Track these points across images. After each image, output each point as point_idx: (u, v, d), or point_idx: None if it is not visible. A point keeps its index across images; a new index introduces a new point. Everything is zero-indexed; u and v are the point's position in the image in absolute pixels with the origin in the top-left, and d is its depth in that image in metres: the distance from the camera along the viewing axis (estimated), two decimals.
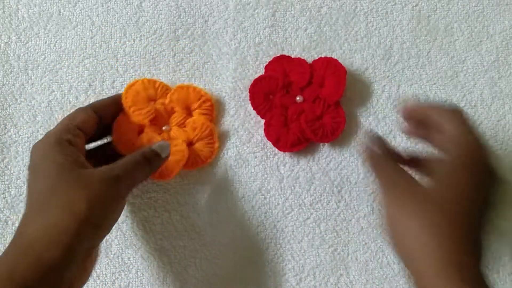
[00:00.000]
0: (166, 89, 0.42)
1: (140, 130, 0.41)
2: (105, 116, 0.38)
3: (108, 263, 0.41)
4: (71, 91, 0.43)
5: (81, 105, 0.43)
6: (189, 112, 0.42)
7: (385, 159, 0.34)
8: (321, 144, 0.43)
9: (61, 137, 0.34)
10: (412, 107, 0.35)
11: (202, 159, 0.41)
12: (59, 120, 0.42)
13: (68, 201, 0.30)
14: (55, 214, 0.29)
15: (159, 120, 0.41)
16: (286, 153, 0.42)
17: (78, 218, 0.30)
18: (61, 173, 0.31)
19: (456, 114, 0.33)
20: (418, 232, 0.29)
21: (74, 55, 0.44)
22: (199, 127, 0.41)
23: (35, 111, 0.43)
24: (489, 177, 0.31)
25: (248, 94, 0.42)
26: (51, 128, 0.42)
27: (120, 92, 0.41)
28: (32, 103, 0.43)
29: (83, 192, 0.30)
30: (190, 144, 0.42)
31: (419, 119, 0.34)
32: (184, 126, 0.41)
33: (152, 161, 0.36)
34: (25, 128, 0.42)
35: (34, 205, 0.31)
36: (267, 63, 0.43)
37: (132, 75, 0.43)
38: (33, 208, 0.31)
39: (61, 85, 0.43)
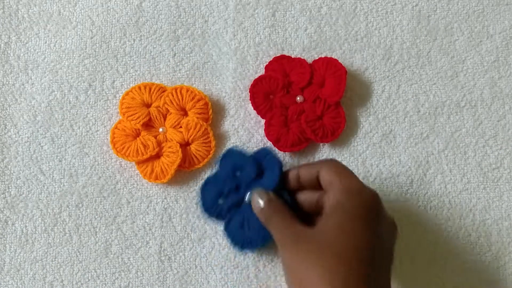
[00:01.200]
0: (162, 91, 0.42)
1: (137, 134, 0.42)
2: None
3: (108, 263, 0.40)
4: (71, 91, 0.43)
5: (81, 105, 0.43)
6: (184, 113, 0.42)
7: (271, 212, 0.35)
8: (321, 144, 0.43)
9: None
10: (293, 175, 0.37)
11: (199, 159, 0.41)
12: (59, 120, 0.42)
13: None
14: None
15: (155, 123, 0.42)
16: (286, 153, 0.42)
17: None
18: None
19: (331, 163, 0.34)
20: (317, 281, 0.29)
21: (74, 55, 0.44)
22: (193, 127, 0.41)
23: (35, 111, 0.43)
24: (385, 225, 0.32)
25: (248, 94, 0.42)
26: (51, 128, 0.42)
27: (119, 95, 0.41)
28: (32, 103, 0.43)
29: None
30: (186, 144, 0.42)
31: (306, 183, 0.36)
32: (180, 127, 0.42)
33: None
34: (25, 128, 0.42)
35: None
36: (267, 63, 0.43)
37: (132, 75, 0.44)
38: None
39: (61, 85, 0.43)
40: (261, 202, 0.35)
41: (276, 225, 0.34)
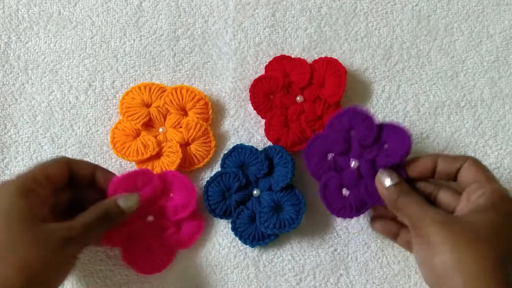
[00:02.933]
0: (162, 91, 0.42)
1: (137, 134, 0.42)
2: (79, 173, 0.36)
3: (108, 263, 0.40)
4: (71, 91, 0.43)
5: (81, 105, 0.43)
6: (184, 113, 0.42)
7: (405, 192, 0.35)
8: None
9: (26, 187, 0.32)
10: (428, 163, 0.36)
11: (199, 159, 0.41)
12: (59, 120, 0.42)
13: (21, 259, 0.30)
14: (4, 269, 0.29)
15: (155, 123, 0.42)
16: None
17: (29, 276, 0.29)
18: (19, 228, 0.30)
19: (477, 162, 0.34)
20: (471, 263, 0.29)
21: (74, 55, 0.44)
22: (193, 127, 0.41)
23: (35, 111, 0.43)
24: None
25: (248, 94, 0.42)
26: (51, 128, 0.42)
27: (119, 95, 0.41)
28: (32, 103, 0.43)
29: (39, 252, 0.30)
30: (186, 144, 0.42)
31: (425, 174, 0.36)
32: (180, 127, 0.42)
33: (114, 218, 0.35)
34: (25, 128, 0.42)
35: None
36: (267, 63, 0.43)
37: (132, 75, 0.44)
38: None
39: (61, 85, 0.43)
40: (389, 181, 0.35)
41: (411, 204, 0.34)
